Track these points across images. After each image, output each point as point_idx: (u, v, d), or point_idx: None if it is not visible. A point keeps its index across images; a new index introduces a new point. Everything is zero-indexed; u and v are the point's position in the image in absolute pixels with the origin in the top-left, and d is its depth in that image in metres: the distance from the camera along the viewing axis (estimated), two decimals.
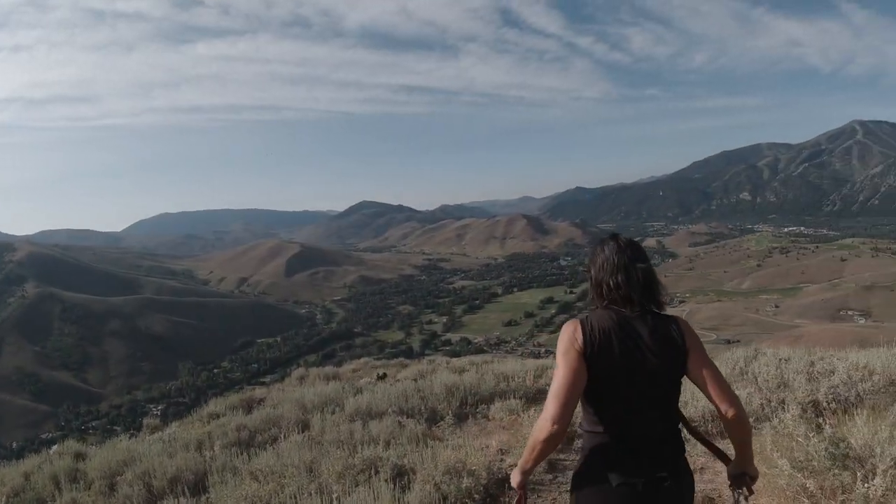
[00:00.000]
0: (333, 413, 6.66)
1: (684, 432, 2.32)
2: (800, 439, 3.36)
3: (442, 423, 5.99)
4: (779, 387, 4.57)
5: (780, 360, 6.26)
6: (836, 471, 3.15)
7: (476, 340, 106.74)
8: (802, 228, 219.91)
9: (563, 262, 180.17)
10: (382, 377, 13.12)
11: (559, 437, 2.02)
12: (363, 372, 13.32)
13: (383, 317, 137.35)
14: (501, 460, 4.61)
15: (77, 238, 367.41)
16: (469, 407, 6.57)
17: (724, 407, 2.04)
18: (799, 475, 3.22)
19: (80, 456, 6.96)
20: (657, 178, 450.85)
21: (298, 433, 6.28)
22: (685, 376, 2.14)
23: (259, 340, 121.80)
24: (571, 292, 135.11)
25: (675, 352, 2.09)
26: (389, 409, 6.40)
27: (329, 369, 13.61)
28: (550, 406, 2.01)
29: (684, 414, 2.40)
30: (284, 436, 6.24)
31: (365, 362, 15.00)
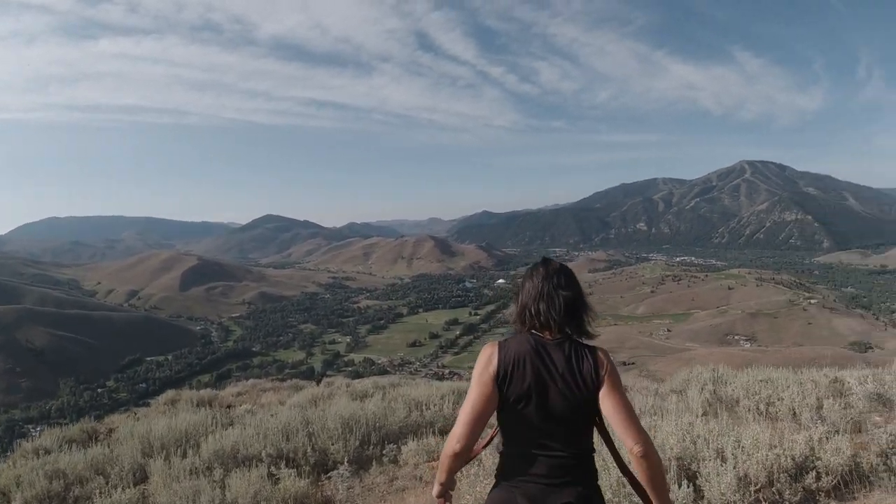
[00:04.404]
0: (185, 457, 4.84)
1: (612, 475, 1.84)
2: None
3: (334, 473, 4.33)
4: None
5: (760, 381, 5.14)
6: None
7: (380, 361, 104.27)
8: (693, 258, 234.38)
9: (468, 285, 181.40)
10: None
11: (463, 455, 2.08)
12: (247, 396, 11.34)
13: (284, 335, 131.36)
14: None
15: None
16: (373, 447, 4.95)
17: (629, 443, 2.00)
18: None
19: None
20: (561, 206, 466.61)
21: (130, 486, 4.49)
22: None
23: (149, 358, 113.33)
24: (476, 314, 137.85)
25: (586, 382, 2.07)
26: (263, 452, 4.69)
27: (206, 392, 11.43)
28: (457, 425, 2.07)
29: (619, 455, 2.31)
30: (106, 491, 4.41)
31: (252, 384, 12.92)
